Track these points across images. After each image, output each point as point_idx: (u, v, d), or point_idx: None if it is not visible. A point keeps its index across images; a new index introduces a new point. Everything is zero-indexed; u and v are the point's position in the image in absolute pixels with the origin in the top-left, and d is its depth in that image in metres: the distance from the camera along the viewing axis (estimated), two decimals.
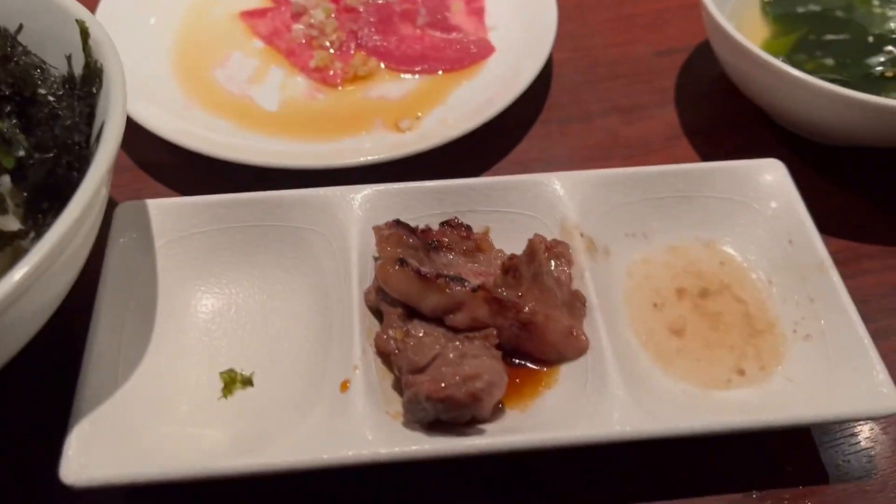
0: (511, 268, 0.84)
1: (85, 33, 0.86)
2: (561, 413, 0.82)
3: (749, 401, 0.85)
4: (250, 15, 1.32)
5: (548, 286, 0.86)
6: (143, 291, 0.92)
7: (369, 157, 1.06)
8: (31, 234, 0.80)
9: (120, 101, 0.82)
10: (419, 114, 1.17)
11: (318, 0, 1.30)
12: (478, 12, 1.33)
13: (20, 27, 0.88)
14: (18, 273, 0.68)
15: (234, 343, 0.92)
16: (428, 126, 1.15)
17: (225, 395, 0.87)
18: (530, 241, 0.87)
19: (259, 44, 1.29)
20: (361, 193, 0.97)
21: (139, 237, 0.94)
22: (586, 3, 1.42)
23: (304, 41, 1.27)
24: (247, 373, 0.89)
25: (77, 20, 0.86)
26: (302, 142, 1.13)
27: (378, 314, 0.90)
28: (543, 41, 1.22)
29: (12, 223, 0.79)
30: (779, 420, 0.80)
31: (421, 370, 0.80)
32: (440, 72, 1.24)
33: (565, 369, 0.87)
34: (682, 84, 1.30)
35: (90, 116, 0.85)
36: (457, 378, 0.77)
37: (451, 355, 0.80)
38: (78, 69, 0.87)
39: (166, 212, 0.96)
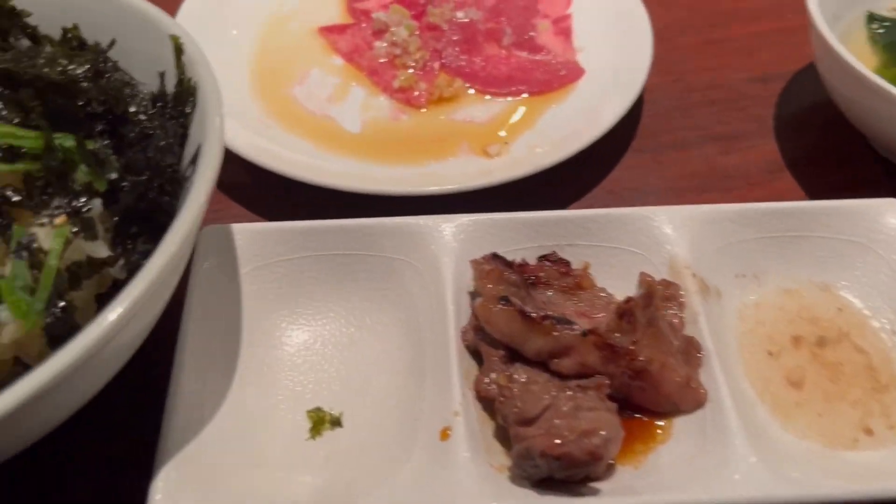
0: (626, 312, 0.78)
1: (179, 50, 0.82)
2: (679, 472, 0.75)
3: (882, 465, 0.78)
4: (329, 31, 1.28)
5: (663, 332, 0.80)
6: (228, 321, 0.88)
7: (459, 186, 1.00)
8: (121, 262, 0.75)
9: (217, 123, 0.77)
10: (507, 139, 1.12)
11: (400, 17, 1.26)
12: (565, 32, 1.28)
13: (112, 42, 0.84)
14: (113, 314, 0.63)
15: (321, 379, 0.86)
16: (517, 152, 1.10)
17: (313, 436, 0.82)
18: (647, 282, 0.81)
19: (339, 61, 1.25)
20: (455, 223, 0.92)
21: (224, 263, 0.90)
22: (675, 25, 1.36)
23: (386, 59, 1.23)
24: (335, 412, 0.83)
25: (171, 36, 0.82)
26: (386, 165, 1.08)
27: (476, 355, 0.84)
28: (638, 66, 1.16)
29: (102, 250, 0.74)
30: None
31: (531, 422, 0.74)
32: (528, 94, 1.18)
33: (680, 423, 0.80)
34: (780, 113, 1.23)
35: (183, 137, 0.81)
36: (573, 433, 0.71)
37: (564, 407, 0.74)
38: (170, 87, 0.83)
39: (252, 237, 0.91)
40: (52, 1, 0.89)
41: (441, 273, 0.89)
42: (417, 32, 1.25)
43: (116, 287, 0.77)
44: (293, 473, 0.78)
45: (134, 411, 0.83)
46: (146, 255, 0.76)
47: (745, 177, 1.13)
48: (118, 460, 0.82)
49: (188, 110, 0.81)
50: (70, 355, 0.61)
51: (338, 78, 1.22)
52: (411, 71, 1.20)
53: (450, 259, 0.90)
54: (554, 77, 1.20)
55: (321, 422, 0.83)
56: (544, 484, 0.74)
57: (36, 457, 0.78)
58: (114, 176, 0.76)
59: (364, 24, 1.28)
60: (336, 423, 0.83)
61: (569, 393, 0.76)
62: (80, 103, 0.78)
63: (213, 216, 1.07)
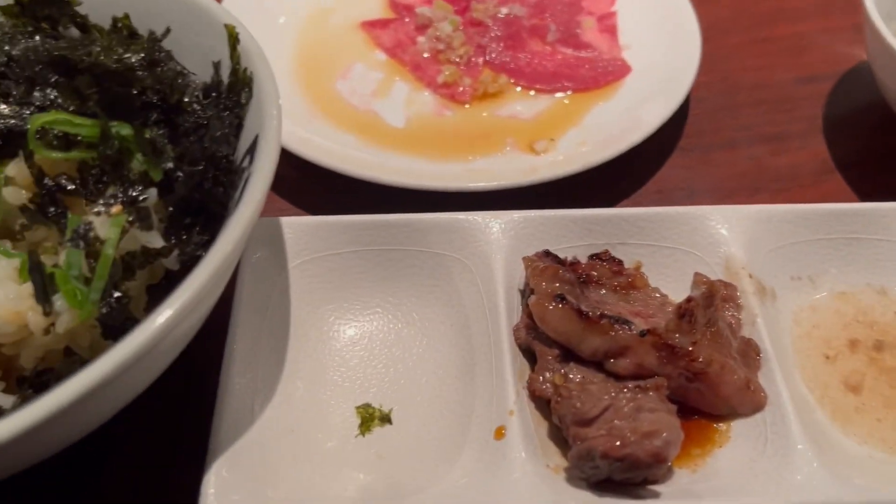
0: (687, 311, 0.76)
1: (234, 39, 0.81)
2: (739, 476, 0.74)
3: None
4: (372, 25, 1.27)
5: (723, 333, 0.78)
6: (277, 314, 0.87)
7: (506, 182, 0.99)
8: (175, 253, 0.74)
9: (274, 114, 0.76)
10: (553, 135, 1.10)
11: (444, 12, 1.24)
12: (611, 30, 1.26)
13: (167, 31, 0.83)
14: (170, 309, 0.62)
15: (370, 374, 0.85)
16: (564, 149, 1.08)
17: (363, 433, 0.81)
18: (707, 282, 0.79)
19: (381, 55, 1.24)
20: (505, 219, 0.91)
21: (273, 256, 0.89)
22: (721, 24, 1.34)
23: (429, 55, 1.21)
24: (385, 409, 0.82)
25: (226, 25, 0.81)
26: (431, 161, 1.07)
27: (529, 354, 0.83)
28: (685, 65, 1.14)
29: (156, 240, 0.73)
30: None
31: (590, 422, 0.72)
32: (573, 91, 1.17)
33: (739, 426, 0.78)
34: (829, 113, 1.21)
35: (238, 128, 0.80)
36: (635, 435, 0.70)
37: (624, 408, 0.72)
38: (224, 77, 0.82)
39: (301, 231, 0.90)
40: None
41: (491, 269, 0.88)
42: (461, 28, 1.24)
43: (168, 278, 0.77)
44: (344, 469, 0.77)
45: (184, 404, 0.83)
46: (201, 246, 0.75)
47: (796, 178, 1.11)
48: (168, 453, 0.82)
49: (244, 101, 0.80)
50: (127, 350, 0.60)
51: (381, 73, 1.21)
52: (457, 66, 1.19)
53: (500, 255, 0.88)
54: (600, 74, 1.18)
55: (371, 418, 0.82)
56: (602, 485, 0.72)
57: (87, 449, 0.77)
58: (169, 165, 0.75)
59: (407, 19, 1.27)
60: (386, 419, 0.82)
61: (628, 394, 0.74)
62: (136, 92, 0.78)
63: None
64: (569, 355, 0.80)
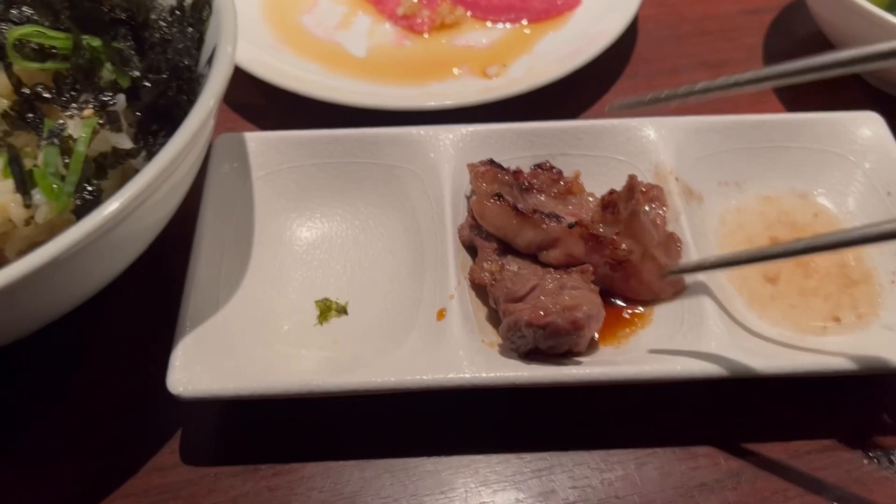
0: (610, 203, 0.84)
1: None
2: (657, 349, 0.82)
3: (846, 347, 0.84)
4: None
5: (645, 225, 0.86)
6: (241, 221, 0.94)
7: (459, 101, 1.06)
8: (143, 154, 0.82)
9: (231, 25, 0.83)
10: (506, 62, 1.17)
11: None
12: None
13: None
14: (131, 189, 0.69)
15: (329, 274, 0.93)
16: (515, 74, 1.15)
17: (321, 322, 0.89)
18: (629, 177, 0.87)
19: None
20: (454, 133, 0.98)
21: (238, 168, 0.96)
22: None
23: None
24: (342, 302, 0.90)
25: None
26: (390, 86, 1.14)
27: (472, 250, 0.91)
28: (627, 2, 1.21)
29: (125, 142, 0.81)
30: (880, 365, 0.79)
31: (519, 299, 0.80)
32: (526, 22, 1.23)
33: (660, 310, 0.87)
34: (770, 42, 1.28)
35: (199, 42, 0.87)
36: (557, 307, 0.78)
37: (550, 286, 0.80)
38: None
39: (265, 145, 0.97)
40: None
41: (440, 178, 0.95)
42: None
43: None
44: (301, 351, 0.85)
45: (159, 296, 0.90)
46: None
47: (734, 102, 1.18)
48: (144, 334, 0.90)
49: (205, 17, 0.86)
50: (89, 223, 0.68)
51: (344, 7, 1.28)
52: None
53: (448, 165, 0.96)
54: (552, 6, 1.25)
55: (328, 309, 0.90)
56: (530, 355, 0.80)
57: (72, 328, 0.84)
58: (136, 74, 0.82)
59: None
60: (342, 311, 0.90)
61: (555, 275, 0.82)
62: (106, 10, 0.84)
63: (227, 131, 1.13)
64: (506, 249, 0.88)
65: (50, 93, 0.81)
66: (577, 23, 1.23)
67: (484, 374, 0.76)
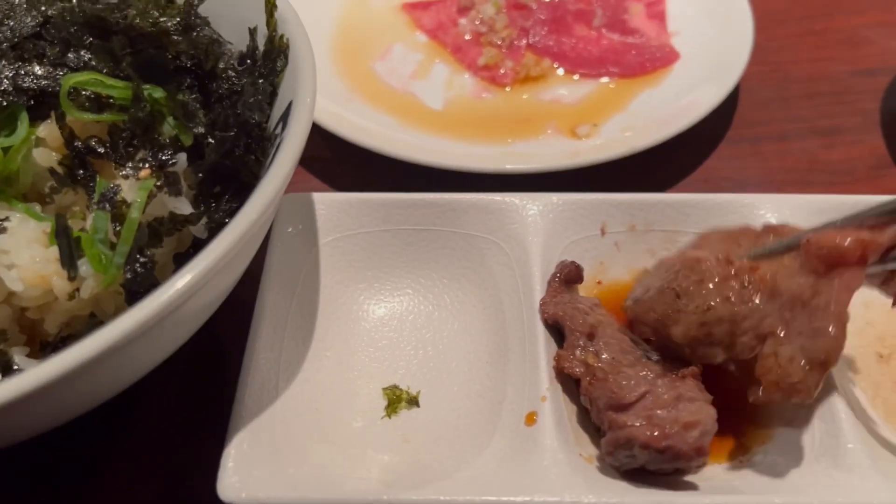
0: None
1: (271, 5, 0.79)
2: (783, 472, 0.70)
3: None
4: (414, 7, 1.25)
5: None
6: (306, 291, 0.85)
7: (547, 165, 0.96)
8: (203, 220, 0.73)
9: (310, 80, 0.74)
10: (597, 121, 1.07)
11: None
12: (659, 16, 1.22)
13: None
14: (194, 270, 0.60)
15: (398, 356, 0.83)
16: (607, 135, 1.05)
17: (389, 415, 0.78)
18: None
19: (422, 37, 1.21)
20: (543, 202, 0.88)
21: (304, 232, 0.87)
22: (775, 14, 1.29)
23: (470, 37, 1.19)
24: (412, 391, 0.80)
25: None
26: (469, 143, 1.04)
27: (555, 330, 0.80)
28: (737, 54, 1.10)
29: (185, 206, 0.71)
30: None
31: (626, 408, 0.69)
32: (619, 77, 1.13)
33: (781, 420, 0.74)
34: (888, 108, 1.15)
35: (272, 95, 0.78)
36: (675, 425, 0.66)
37: (664, 395, 0.69)
38: (260, 44, 0.80)
39: (333, 207, 0.88)
40: None
41: (527, 252, 0.84)
42: (504, 10, 1.21)
43: (196, 247, 0.75)
44: (368, 451, 0.75)
45: (209, 378, 0.81)
46: (229, 214, 0.73)
47: (850, 172, 1.06)
48: (190, 426, 0.80)
49: (279, 68, 0.78)
50: (145, 312, 0.58)
51: (421, 54, 1.19)
52: (496, 49, 1.16)
53: (537, 238, 0.85)
54: (647, 60, 1.14)
55: (398, 400, 0.79)
56: (634, 474, 0.69)
57: (109, 416, 0.75)
58: (201, 130, 0.73)
59: (449, 2, 1.24)
60: (413, 402, 0.79)
61: (667, 381, 0.70)
62: (170, 56, 0.76)
63: (290, 188, 1.04)
64: (597, 333, 0.77)
65: (104, 147, 0.73)
66: (675, 80, 1.12)
67: (586, 501, 0.65)
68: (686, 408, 0.68)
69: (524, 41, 1.18)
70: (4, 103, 0.72)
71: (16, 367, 0.69)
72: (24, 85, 0.73)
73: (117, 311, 0.73)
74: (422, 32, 1.22)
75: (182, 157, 0.72)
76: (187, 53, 0.77)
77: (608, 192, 0.90)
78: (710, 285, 0.71)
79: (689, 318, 0.71)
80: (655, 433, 0.65)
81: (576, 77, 1.14)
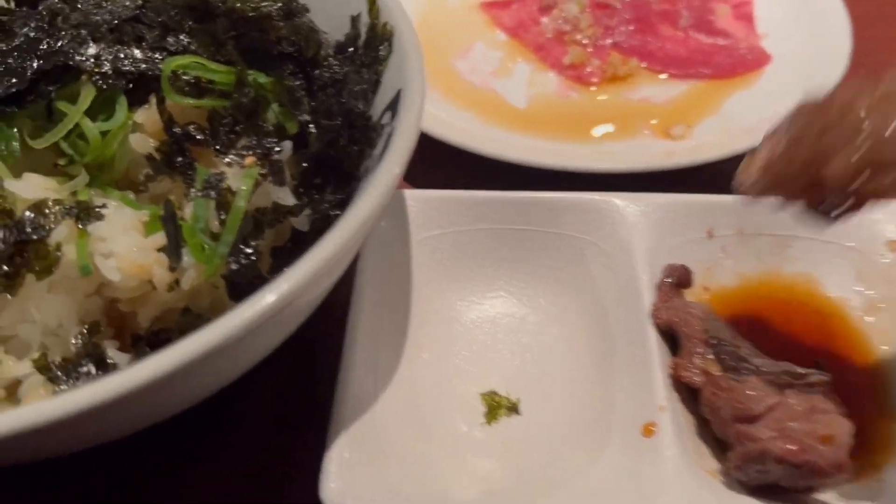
0: None
1: None
2: None
3: None
4: (492, 6, 1.22)
5: None
6: (400, 289, 0.81)
7: (649, 164, 0.92)
8: (307, 212, 0.69)
9: (418, 70, 0.71)
10: (690, 122, 1.03)
11: None
12: (747, 17, 1.18)
13: None
14: (305, 267, 0.56)
15: (495, 360, 0.79)
16: (702, 136, 1.00)
17: (488, 421, 0.74)
18: None
19: (502, 36, 1.18)
20: (646, 203, 0.83)
21: (397, 229, 0.83)
22: (867, 16, 1.24)
23: (552, 36, 1.15)
24: (512, 398, 0.76)
25: None
26: (557, 141, 1.01)
27: (668, 336, 0.76)
28: (833, 57, 1.05)
29: (288, 197, 0.68)
30: None
31: (754, 420, 0.64)
32: (709, 78, 1.09)
33: None
34: None
35: (376, 84, 0.75)
36: (812, 439, 0.61)
37: (797, 406, 0.64)
38: (362, 31, 0.77)
39: (428, 205, 0.85)
40: None
41: (631, 255, 0.80)
42: (588, 10, 1.17)
43: (295, 240, 0.72)
44: (468, 457, 0.71)
45: (301, 374, 0.78)
46: (335, 206, 0.70)
47: None
48: (284, 422, 0.77)
49: (382, 56, 0.74)
50: (256, 310, 0.55)
51: (501, 52, 1.15)
52: (582, 48, 1.12)
53: (642, 240, 0.81)
54: (738, 62, 1.10)
55: (497, 407, 0.75)
56: (762, 491, 0.64)
57: (205, 412, 0.71)
58: (306, 118, 0.70)
59: (529, 0, 1.21)
60: (513, 409, 0.75)
61: (797, 391, 0.66)
62: (272, 41, 0.73)
63: None
64: (716, 339, 0.73)
65: (203, 133, 0.70)
66: (767, 82, 1.08)
67: None
68: (821, 420, 0.63)
69: (609, 40, 1.14)
70: (104, 87, 0.69)
71: (110, 361, 0.66)
72: (124, 68, 0.70)
73: (214, 305, 0.70)
74: (501, 31, 1.18)
75: (287, 145, 0.69)
76: (288, 39, 0.74)
77: (705, 193, 0.86)
78: (861, 112, 0.61)
79: (845, 144, 0.60)
80: (793, 447, 0.61)
81: (664, 77, 1.10)
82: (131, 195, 0.71)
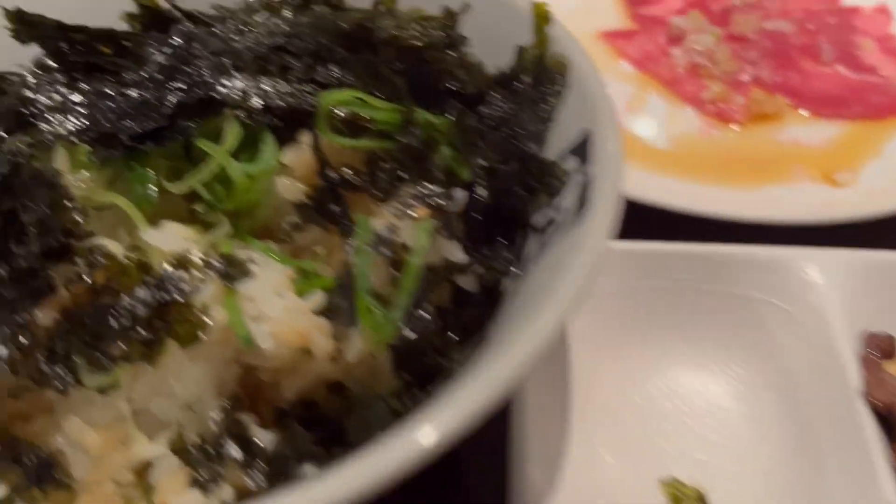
0: None
1: (542, 20, 0.67)
2: None
3: None
4: (615, 36, 1.13)
5: None
6: (566, 354, 0.71)
7: (831, 214, 0.83)
8: (480, 271, 0.60)
9: (608, 109, 0.62)
10: (853, 166, 0.93)
11: (702, 24, 1.09)
12: (895, 53, 1.09)
13: (466, 6, 0.69)
14: (505, 369, 0.46)
15: (671, 440, 0.69)
16: (869, 182, 0.91)
17: None
18: None
19: (627, 67, 1.09)
20: (836, 260, 0.73)
21: None
22: None
23: (686, 69, 1.06)
24: (698, 487, 0.65)
25: (534, 3, 0.68)
26: (705, 185, 0.91)
27: (882, 420, 0.65)
28: None
29: (458, 253, 0.59)
30: None
31: None
32: (865, 119, 0.99)
33: None
34: None
35: (546, 123, 0.65)
36: None
37: None
38: (526, 64, 0.68)
39: None
40: None
41: (825, 320, 0.70)
42: (723, 41, 1.08)
43: (460, 303, 0.62)
44: None
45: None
46: (509, 265, 0.60)
47: None
48: None
49: (556, 91, 0.65)
50: (474, 404, 0.44)
51: (629, 86, 1.07)
52: (722, 83, 1.03)
53: (834, 304, 0.71)
54: (894, 101, 1.00)
55: (681, 498, 0.65)
56: None
57: None
58: (482, 163, 0.61)
59: (656, 31, 1.12)
60: (701, 501, 0.65)
61: None
62: (438, 75, 0.64)
63: None
64: None
65: (360, 178, 0.61)
66: None
67: None
68: None
69: (747, 75, 1.05)
70: (249, 123, 0.61)
71: (255, 441, 0.57)
72: (272, 103, 0.61)
73: (373, 377, 0.61)
74: (627, 62, 1.10)
75: (461, 195, 0.60)
76: (448, 72, 0.66)
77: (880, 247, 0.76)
78: None
79: None
80: None
81: (806, 114, 1.01)
82: (273, 246, 0.62)
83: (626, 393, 0.71)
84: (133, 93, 0.62)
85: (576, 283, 0.50)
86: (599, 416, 0.69)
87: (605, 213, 0.54)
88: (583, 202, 0.56)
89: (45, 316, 0.55)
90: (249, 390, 0.62)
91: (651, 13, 1.16)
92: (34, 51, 0.70)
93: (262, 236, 0.63)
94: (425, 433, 0.43)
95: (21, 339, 0.53)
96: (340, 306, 0.54)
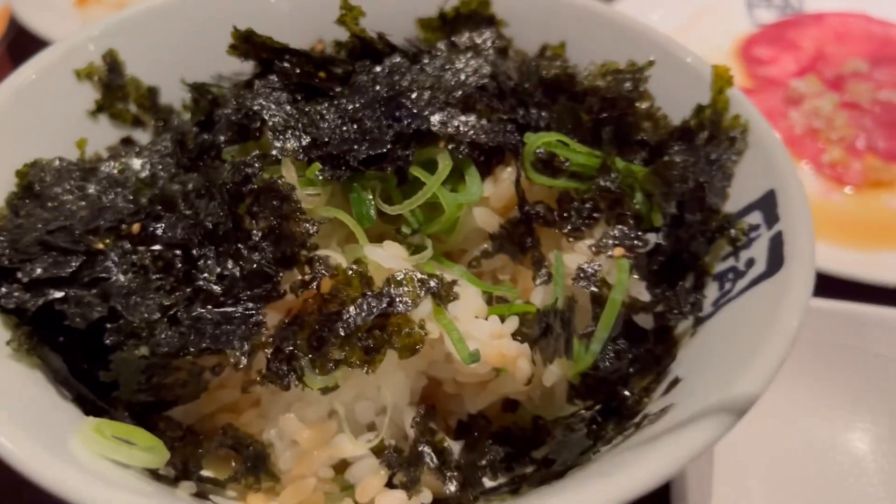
0: None
1: (723, 82, 0.72)
2: None
3: None
4: None
5: None
6: None
7: None
8: (661, 309, 0.64)
9: (791, 170, 0.66)
10: None
11: (820, 89, 1.14)
12: None
13: (651, 62, 0.73)
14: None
15: (792, 489, 0.73)
16: None
17: None
18: None
19: None
20: None
21: None
22: None
23: (803, 131, 1.11)
24: None
25: (715, 66, 0.72)
26: (827, 245, 0.96)
27: None
28: None
29: (643, 292, 0.63)
30: None
31: None
32: None
33: None
34: None
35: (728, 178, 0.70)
36: None
37: None
38: (704, 121, 0.72)
39: None
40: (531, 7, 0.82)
41: None
42: (840, 107, 1.13)
43: (628, 336, 0.66)
44: None
45: None
46: (693, 307, 0.65)
47: None
48: None
49: (736, 150, 0.70)
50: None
51: None
52: (840, 148, 1.08)
53: None
54: None
55: None
56: None
57: None
58: (673, 211, 0.65)
59: (774, 90, 1.17)
60: None
61: None
62: (632, 125, 0.69)
63: None
64: None
65: (553, 215, 0.66)
66: None
67: None
68: None
69: (862, 142, 1.09)
70: (459, 156, 0.66)
71: (447, 449, 0.62)
72: (478, 139, 0.66)
73: (548, 400, 0.65)
74: None
75: (652, 238, 0.64)
76: (639, 124, 0.71)
77: None
78: None
79: None
80: None
81: None
82: (465, 270, 0.67)
83: (748, 438, 0.75)
84: (356, 119, 0.66)
85: (787, 335, 0.54)
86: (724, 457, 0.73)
87: (805, 268, 0.58)
88: (776, 256, 0.60)
89: (272, 317, 0.60)
90: (425, 398, 0.67)
91: (769, 74, 1.21)
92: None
93: (452, 260, 0.69)
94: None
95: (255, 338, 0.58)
96: (546, 334, 0.59)
